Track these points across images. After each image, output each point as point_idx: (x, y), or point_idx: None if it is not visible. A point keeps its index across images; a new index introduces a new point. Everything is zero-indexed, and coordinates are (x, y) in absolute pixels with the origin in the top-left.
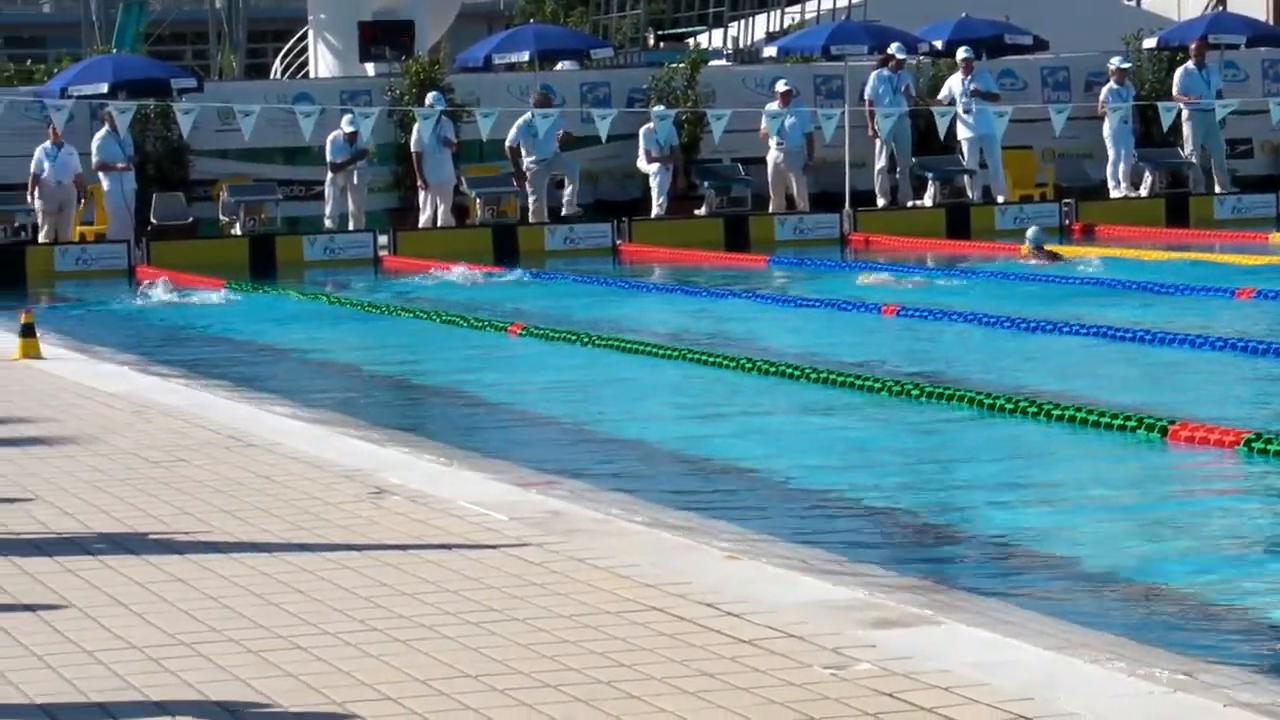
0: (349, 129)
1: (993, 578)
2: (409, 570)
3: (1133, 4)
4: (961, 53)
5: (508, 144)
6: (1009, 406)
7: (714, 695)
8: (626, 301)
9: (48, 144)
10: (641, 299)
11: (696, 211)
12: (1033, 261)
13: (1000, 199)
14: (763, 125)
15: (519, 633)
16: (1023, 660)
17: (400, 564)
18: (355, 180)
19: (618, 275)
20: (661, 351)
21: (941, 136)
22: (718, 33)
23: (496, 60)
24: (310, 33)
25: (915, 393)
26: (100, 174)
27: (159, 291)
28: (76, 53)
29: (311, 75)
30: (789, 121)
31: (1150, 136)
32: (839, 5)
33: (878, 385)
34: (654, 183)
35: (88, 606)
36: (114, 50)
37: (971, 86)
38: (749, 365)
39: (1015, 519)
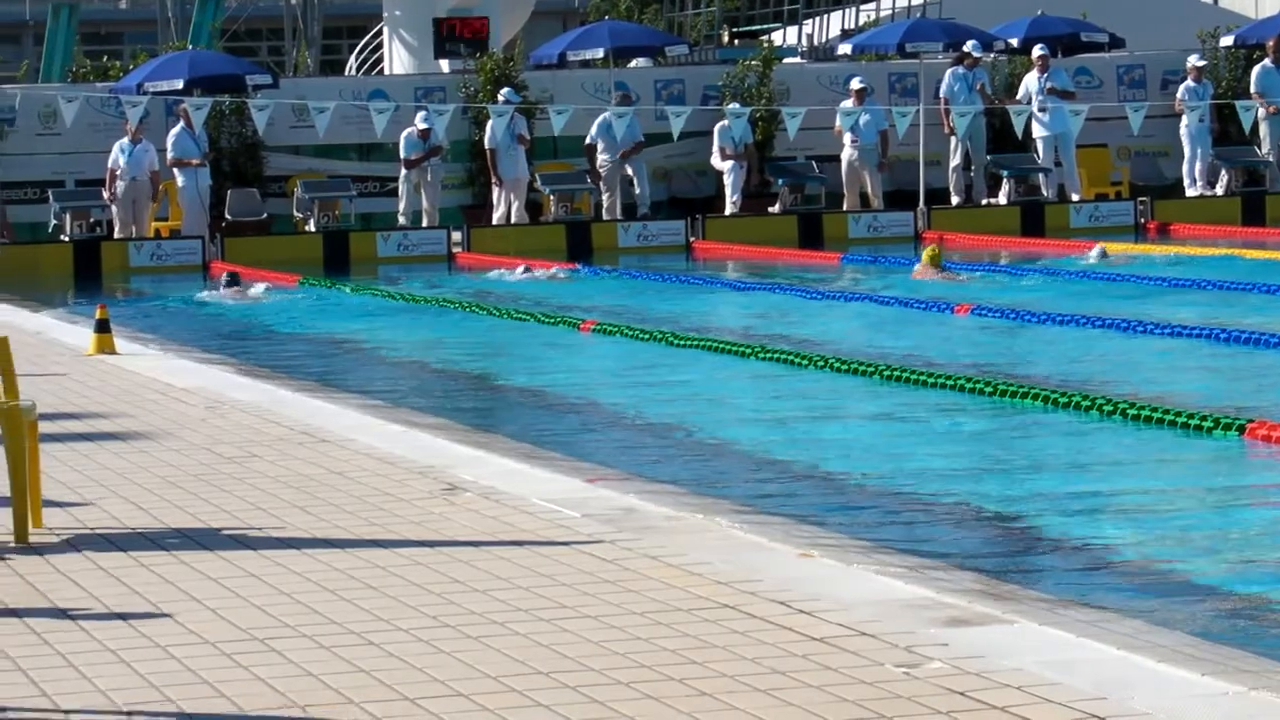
0: (423, 125)
1: (1065, 576)
2: (481, 566)
3: (1209, 1)
4: (1037, 50)
5: (586, 141)
6: (1085, 405)
7: (785, 693)
8: (699, 298)
9: (125, 140)
10: (714, 296)
11: (770, 209)
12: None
13: (1075, 197)
14: (837, 123)
15: (591, 629)
16: (1095, 659)
17: (472, 560)
18: (429, 177)
19: (691, 272)
20: (734, 349)
21: (1018, 135)
22: (792, 30)
23: (571, 57)
24: (385, 29)
25: (989, 390)
26: (175, 170)
27: (256, 290)
28: (152, 49)
29: (386, 72)
30: (863, 119)
31: (1227, 135)
32: (914, 3)
33: (950, 383)
34: (728, 180)
35: (161, 601)
36: (190, 46)
37: (1047, 84)
38: (821, 363)
39: (1087, 519)
